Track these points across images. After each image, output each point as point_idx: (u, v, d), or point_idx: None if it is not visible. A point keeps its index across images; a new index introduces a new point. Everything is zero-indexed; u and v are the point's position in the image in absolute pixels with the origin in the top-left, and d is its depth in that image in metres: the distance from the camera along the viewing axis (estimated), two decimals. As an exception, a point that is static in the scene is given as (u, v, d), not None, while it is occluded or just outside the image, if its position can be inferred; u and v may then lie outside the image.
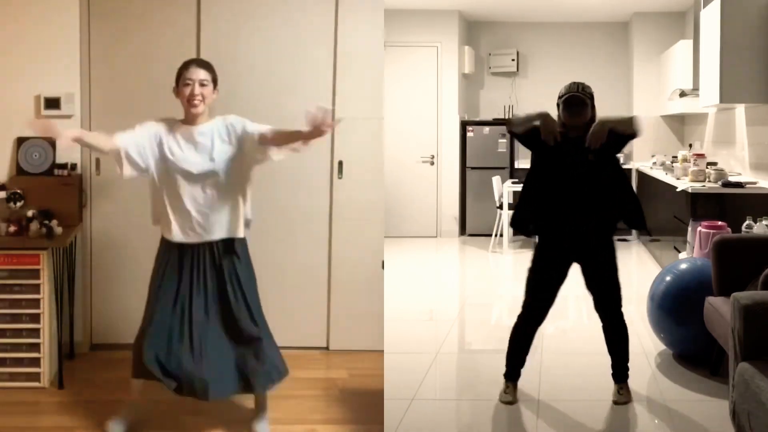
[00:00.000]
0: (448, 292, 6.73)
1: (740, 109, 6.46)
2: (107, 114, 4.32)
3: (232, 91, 4.33)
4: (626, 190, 3.62)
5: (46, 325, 3.81)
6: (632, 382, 3.83)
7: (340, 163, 4.45)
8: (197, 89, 3.14)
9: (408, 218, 9.28)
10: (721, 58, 5.57)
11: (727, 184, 5.72)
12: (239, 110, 4.28)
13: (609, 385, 3.75)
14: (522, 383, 3.77)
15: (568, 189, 3.53)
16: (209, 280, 3.21)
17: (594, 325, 3.78)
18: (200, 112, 3.17)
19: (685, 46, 7.75)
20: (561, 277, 3.63)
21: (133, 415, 3.32)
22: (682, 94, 7.57)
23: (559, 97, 3.58)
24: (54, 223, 3.91)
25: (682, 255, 5.65)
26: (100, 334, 4.39)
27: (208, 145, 3.14)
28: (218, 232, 3.19)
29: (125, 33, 4.33)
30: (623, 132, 3.49)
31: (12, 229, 3.91)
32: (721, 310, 3.58)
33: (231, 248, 3.23)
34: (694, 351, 4.14)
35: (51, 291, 3.83)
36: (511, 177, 8.93)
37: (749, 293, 2.98)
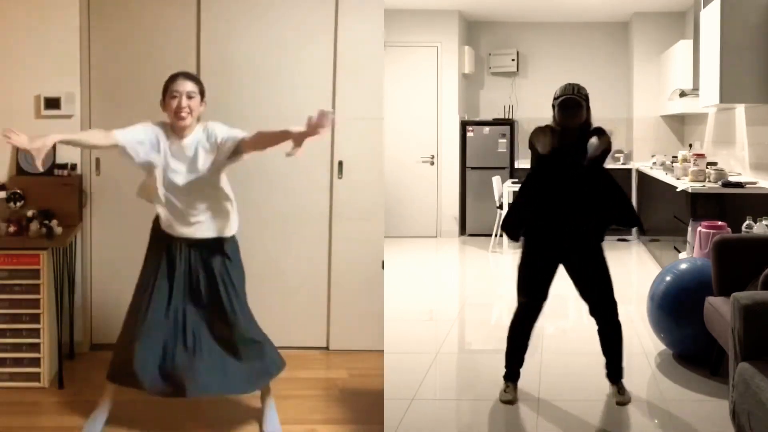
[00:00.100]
0: (448, 292, 6.73)
1: (740, 109, 6.46)
2: (107, 114, 4.32)
3: (232, 91, 4.34)
4: (615, 191, 3.63)
5: (46, 325, 3.81)
6: (632, 382, 3.83)
7: (340, 163, 4.45)
8: (184, 102, 3.11)
9: (408, 218, 9.28)
10: (721, 58, 5.57)
11: (727, 184, 5.72)
12: (239, 110, 4.30)
13: (608, 384, 3.75)
14: (522, 383, 3.77)
15: (559, 191, 3.55)
16: (201, 282, 3.21)
17: (594, 325, 3.77)
18: (187, 124, 3.14)
19: (685, 46, 7.75)
20: (549, 276, 3.65)
21: (107, 414, 3.31)
22: (682, 94, 7.57)
23: (555, 99, 3.58)
24: (54, 223, 3.92)
25: (682, 255, 5.65)
26: (100, 334, 4.38)
27: (192, 157, 3.13)
28: (207, 231, 3.20)
29: (125, 33, 4.33)
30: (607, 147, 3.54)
31: (12, 229, 3.91)
32: (721, 310, 3.58)
33: (221, 248, 3.24)
34: (694, 351, 4.14)
35: (51, 291, 3.83)
36: (511, 177, 8.93)
37: (749, 293, 2.98)
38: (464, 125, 9.45)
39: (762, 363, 2.75)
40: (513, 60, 9.73)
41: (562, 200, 3.56)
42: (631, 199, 3.72)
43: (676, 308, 4.10)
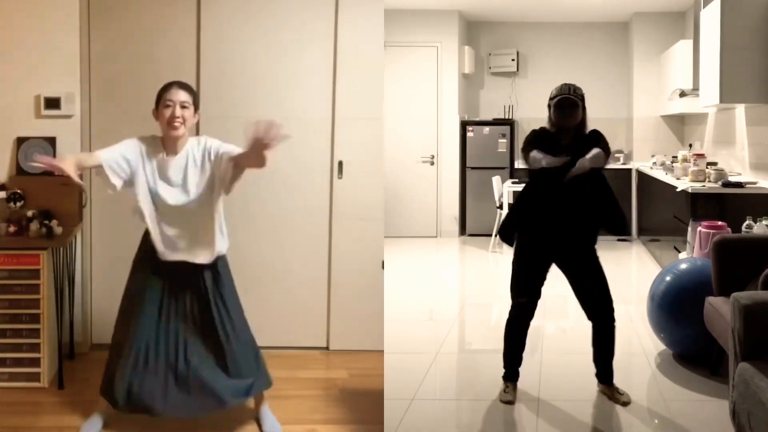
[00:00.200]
0: (448, 292, 6.72)
1: (740, 109, 6.46)
2: (107, 114, 4.33)
3: (232, 91, 4.34)
4: (606, 195, 3.62)
5: (46, 325, 3.81)
6: (632, 382, 3.83)
7: (340, 163, 4.45)
8: (178, 111, 3.05)
9: (408, 218, 9.28)
10: (721, 58, 5.57)
11: (727, 184, 5.72)
12: (240, 110, 4.31)
13: (604, 386, 3.75)
14: (522, 383, 3.77)
15: (551, 192, 3.55)
16: (193, 304, 3.18)
17: (594, 325, 3.77)
18: (180, 134, 3.08)
19: (685, 46, 7.74)
20: (541, 275, 3.66)
21: (103, 417, 3.32)
22: (682, 94, 7.57)
23: (551, 99, 3.59)
24: (54, 223, 3.92)
25: (682, 255, 5.65)
26: (100, 334, 4.38)
27: (181, 178, 3.07)
28: (198, 254, 3.14)
29: (125, 33, 4.33)
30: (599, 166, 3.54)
31: (12, 229, 3.91)
32: (721, 310, 3.58)
33: (212, 267, 3.20)
34: (694, 351, 4.14)
35: (51, 291, 3.83)
36: (511, 177, 8.93)
37: (749, 293, 2.97)
38: (464, 125, 9.45)
39: (762, 363, 2.75)
40: (513, 60, 9.72)
41: (555, 201, 3.56)
42: (619, 202, 3.70)
43: (676, 308, 4.10)
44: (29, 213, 4.00)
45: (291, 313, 4.43)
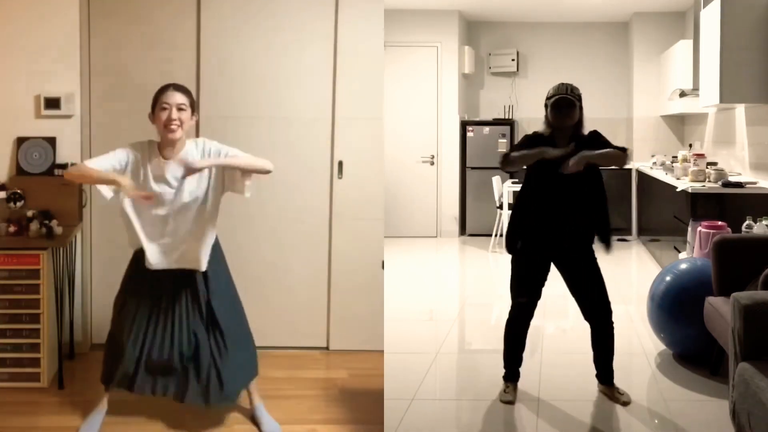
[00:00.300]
0: (448, 292, 6.72)
1: (740, 109, 6.46)
2: (107, 114, 4.33)
3: (232, 90, 4.34)
4: (600, 204, 3.61)
5: (46, 325, 3.81)
6: (632, 382, 3.83)
7: (340, 163, 4.45)
8: (175, 114, 3.02)
9: (408, 218, 9.28)
10: (721, 58, 5.57)
11: (727, 184, 5.72)
12: (239, 110, 4.31)
13: (604, 386, 3.75)
14: (522, 383, 3.77)
15: (551, 194, 3.55)
16: (190, 312, 3.18)
17: (594, 325, 3.77)
18: (177, 137, 3.06)
19: (685, 46, 7.74)
20: (541, 276, 3.66)
21: (103, 415, 3.33)
22: (682, 94, 7.57)
23: (548, 99, 3.58)
24: (54, 223, 3.92)
25: (682, 255, 5.64)
26: (100, 334, 4.37)
27: (178, 183, 3.06)
28: (192, 261, 3.14)
29: (125, 33, 4.33)
30: (606, 165, 3.51)
31: (12, 229, 3.91)
32: (721, 310, 3.58)
33: (205, 275, 3.19)
34: (694, 351, 4.14)
35: (51, 291, 3.83)
36: (511, 177, 8.90)
37: (749, 293, 2.97)
38: (464, 125, 9.45)
39: (762, 363, 2.75)
40: (513, 60, 9.72)
41: (552, 201, 3.56)
42: (609, 215, 3.69)
43: (676, 308, 4.10)
44: (29, 213, 4.00)
45: (291, 313, 4.43)
